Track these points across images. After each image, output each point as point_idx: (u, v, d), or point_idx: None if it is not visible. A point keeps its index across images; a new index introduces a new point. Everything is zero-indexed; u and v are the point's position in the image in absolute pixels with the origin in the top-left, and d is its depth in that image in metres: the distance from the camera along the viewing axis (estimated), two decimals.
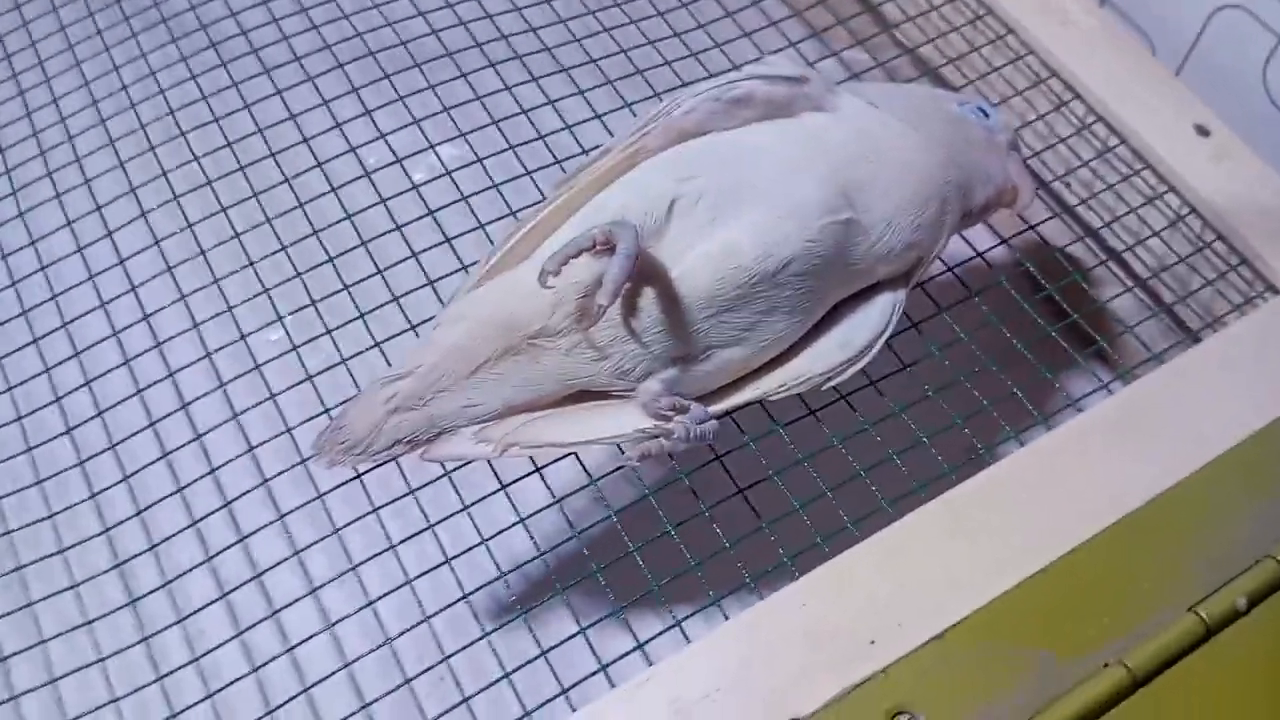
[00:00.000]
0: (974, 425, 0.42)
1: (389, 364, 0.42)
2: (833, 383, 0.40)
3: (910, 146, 0.41)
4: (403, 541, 0.40)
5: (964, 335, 0.45)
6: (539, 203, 0.41)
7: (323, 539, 0.41)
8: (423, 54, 0.53)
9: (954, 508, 0.39)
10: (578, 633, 0.38)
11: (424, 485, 0.41)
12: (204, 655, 0.39)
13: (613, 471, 0.42)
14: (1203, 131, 0.49)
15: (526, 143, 0.50)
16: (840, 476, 0.41)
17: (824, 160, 0.40)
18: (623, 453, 0.38)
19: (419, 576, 0.39)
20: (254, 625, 0.40)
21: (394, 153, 0.50)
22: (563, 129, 0.50)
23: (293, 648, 0.39)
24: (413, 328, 0.44)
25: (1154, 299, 0.50)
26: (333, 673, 0.39)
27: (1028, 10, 0.53)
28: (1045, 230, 0.49)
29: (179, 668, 0.39)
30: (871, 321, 0.41)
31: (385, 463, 0.40)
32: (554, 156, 0.49)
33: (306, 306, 0.45)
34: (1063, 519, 0.38)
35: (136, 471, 0.43)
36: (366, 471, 0.41)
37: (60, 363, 0.46)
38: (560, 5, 0.56)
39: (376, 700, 0.38)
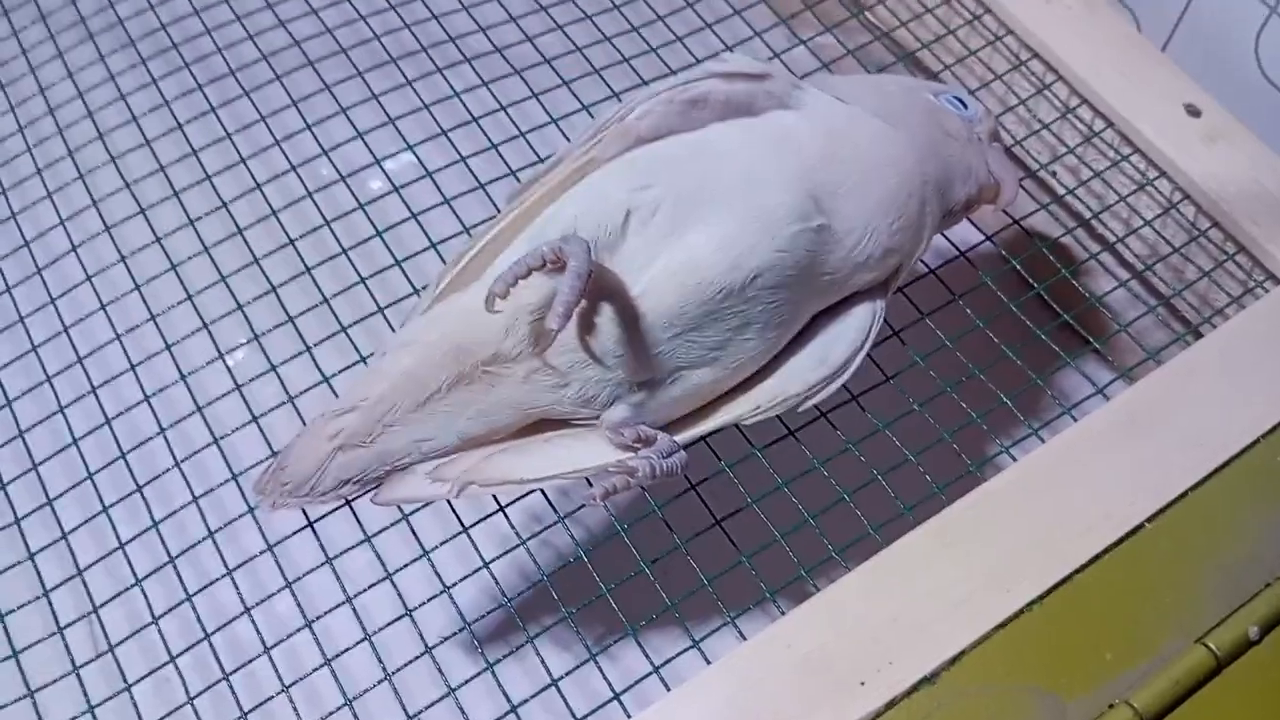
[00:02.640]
0: (963, 439, 0.40)
1: (336, 395, 0.39)
2: (811, 402, 0.38)
3: (885, 143, 0.39)
4: (358, 595, 0.37)
5: (949, 342, 0.42)
6: (492, 218, 0.39)
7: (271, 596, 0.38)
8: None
9: (944, 531, 0.36)
10: (549, 685, 0.36)
11: (380, 530, 0.39)
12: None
13: (579, 509, 0.40)
14: (1193, 111, 0.46)
15: (480, 152, 0.47)
16: (823, 501, 0.39)
17: (792, 162, 0.37)
18: (590, 485, 0.36)
19: (379, 631, 0.37)
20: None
21: (338, 172, 0.47)
22: (516, 137, 0.47)
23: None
24: (362, 359, 0.42)
25: (1149, 293, 0.48)
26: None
27: None
28: (1031, 224, 0.47)
29: None
30: (850, 334, 0.39)
31: (337, 506, 0.37)
32: (508, 167, 0.46)
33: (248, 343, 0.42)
34: (1059, 540, 0.35)
35: (67, 534, 0.40)
36: (322, 517, 0.38)
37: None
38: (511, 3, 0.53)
39: None
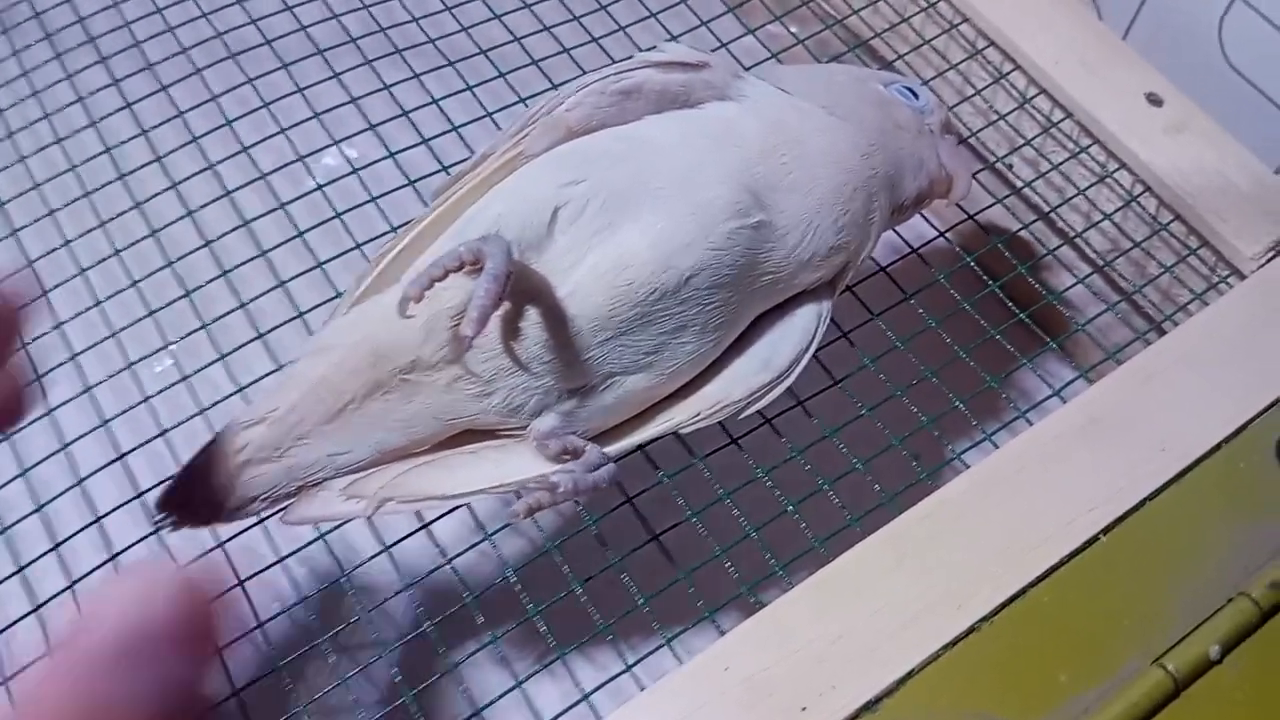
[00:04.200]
0: (914, 445, 0.38)
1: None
2: (754, 408, 0.36)
3: (830, 136, 0.37)
4: (271, 619, 0.35)
5: (900, 343, 0.40)
6: (413, 220, 0.36)
7: None
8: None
9: (893, 544, 0.34)
10: (472, 715, 0.34)
11: (294, 551, 0.36)
12: None
13: (503, 528, 0.38)
14: (1155, 100, 0.44)
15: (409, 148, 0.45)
16: (766, 513, 0.37)
17: (731, 156, 0.35)
18: (519, 497, 0.34)
19: (293, 658, 0.34)
20: None
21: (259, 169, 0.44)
22: (449, 131, 0.45)
23: None
24: (280, 367, 0.39)
25: (1109, 289, 0.46)
26: None
27: None
28: (988, 218, 0.45)
29: None
30: (795, 336, 0.37)
31: (247, 525, 0.35)
32: (440, 163, 0.44)
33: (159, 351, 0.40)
34: (1013, 553, 0.33)
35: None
36: (230, 539, 0.36)
37: None
38: None
39: None
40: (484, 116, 0.46)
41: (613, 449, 0.35)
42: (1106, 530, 0.33)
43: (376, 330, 0.34)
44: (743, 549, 0.36)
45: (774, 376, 0.36)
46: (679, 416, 0.36)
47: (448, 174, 0.43)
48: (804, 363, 0.36)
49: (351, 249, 0.42)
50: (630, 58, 0.37)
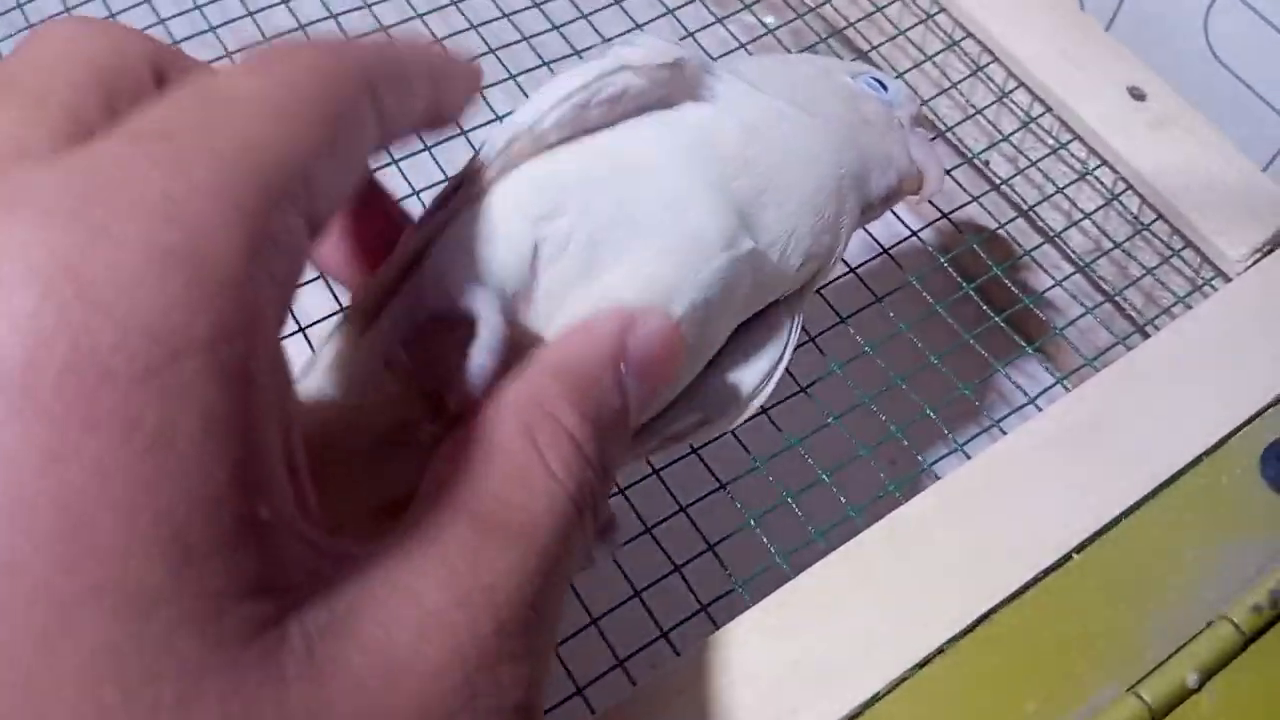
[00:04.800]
0: (882, 456, 0.36)
1: None
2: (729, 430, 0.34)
3: (804, 137, 0.34)
4: None
5: (868, 348, 0.38)
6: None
7: None
8: None
9: (854, 561, 0.33)
10: None
11: None
12: None
13: None
14: (1137, 94, 0.43)
15: None
16: (726, 527, 0.35)
17: (713, 171, 0.32)
18: None
19: None
20: None
21: None
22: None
23: None
24: None
25: (1087, 292, 0.44)
26: None
27: None
28: (962, 217, 0.43)
29: None
30: (763, 362, 0.34)
31: None
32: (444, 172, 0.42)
33: None
34: (983, 570, 0.32)
35: None
36: None
37: None
38: None
39: None
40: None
41: None
42: (1079, 548, 0.31)
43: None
44: (700, 565, 0.34)
45: (739, 408, 0.34)
46: (649, 444, 0.33)
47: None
48: (774, 382, 0.34)
49: None
50: (604, 55, 0.34)
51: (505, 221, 0.29)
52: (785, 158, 0.33)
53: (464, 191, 0.30)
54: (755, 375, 0.34)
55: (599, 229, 0.30)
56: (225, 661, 0.15)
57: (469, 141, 0.42)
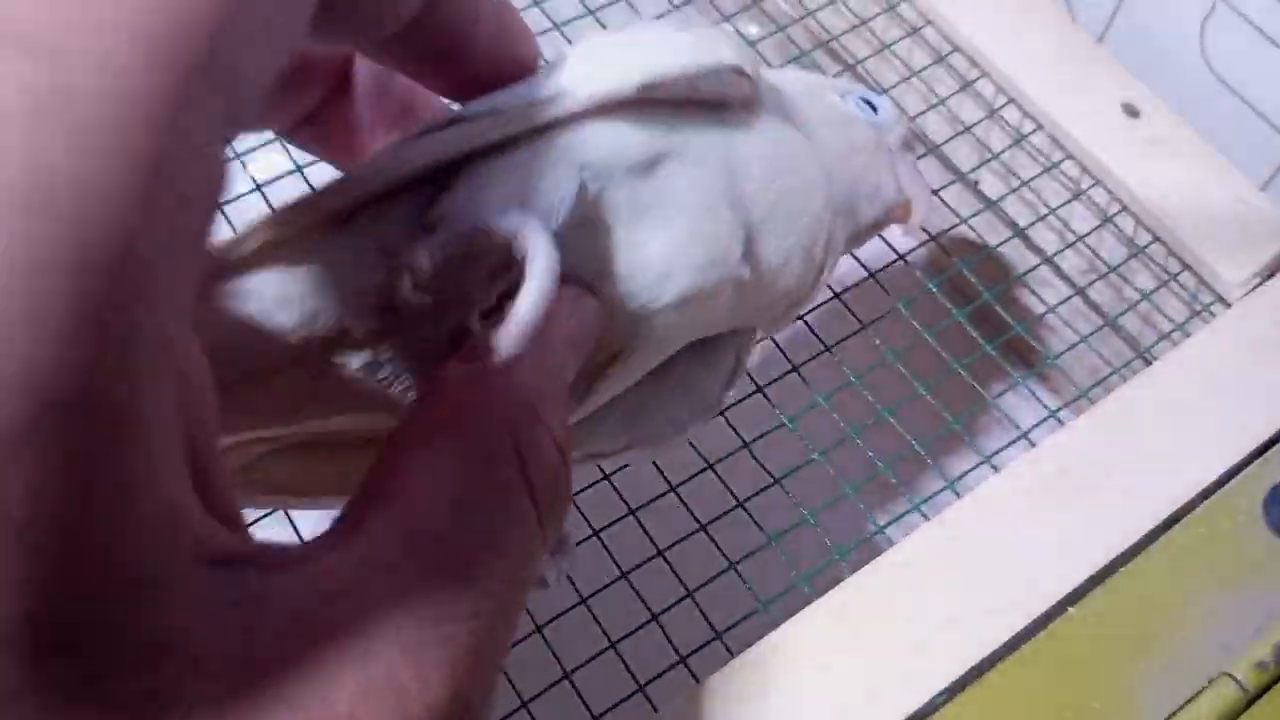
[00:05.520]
0: (868, 496, 0.35)
1: None
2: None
3: (801, 161, 0.32)
4: None
5: (854, 379, 0.37)
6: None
7: None
8: None
9: (837, 610, 0.31)
10: None
11: None
12: None
13: None
14: (1132, 112, 0.41)
15: None
16: (706, 571, 0.33)
17: (736, 194, 0.28)
18: None
19: None
20: None
21: None
22: None
23: None
24: None
25: (1081, 319, 0.42)
26: None
27: None
28: (953, 239, 0.42)
29: None
30: (696, 395, 0.32)
31: None
32: None
33: None
34: (976, 618, 0.30)
35: None
36: None
37: None
38: None
39: None
40: None
41: None
42: (1073, 598, 0.30)
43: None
44: (678, 613, 0.33)
45: (677, 426, 0.32)
46: (599, 442, 0.31)
47: None
48: (710, 416, 0.32)
49: None
50: (712, 37, 0.29)
51: (572, 169, 0.25)
52: (789, 189, 0.31)
53: (512, 122, 0.25)
54: (688, 407, 0.32)
55: (650, 203, 0.26)
56: None
57: None
